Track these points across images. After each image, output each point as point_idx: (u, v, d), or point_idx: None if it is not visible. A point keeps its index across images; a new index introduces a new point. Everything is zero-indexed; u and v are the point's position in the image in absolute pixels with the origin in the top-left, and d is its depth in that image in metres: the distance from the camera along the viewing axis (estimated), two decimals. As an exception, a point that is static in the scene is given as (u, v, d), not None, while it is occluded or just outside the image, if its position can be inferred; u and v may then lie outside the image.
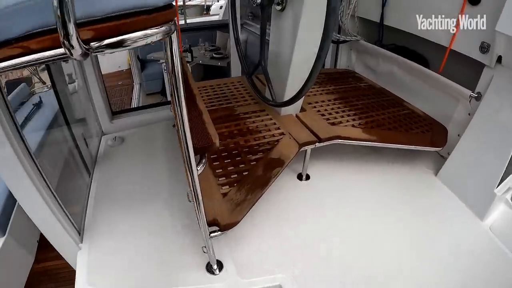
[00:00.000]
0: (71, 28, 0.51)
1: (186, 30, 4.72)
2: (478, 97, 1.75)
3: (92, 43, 0.60)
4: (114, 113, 2.45)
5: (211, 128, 1.24)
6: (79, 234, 1.49)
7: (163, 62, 4.34)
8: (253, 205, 1.40)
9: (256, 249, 1.46)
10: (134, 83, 4.13)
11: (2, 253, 2.14)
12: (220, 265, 1.37)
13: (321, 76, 2.53)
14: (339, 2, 1.06)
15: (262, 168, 1.58)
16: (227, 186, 1.49)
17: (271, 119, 1.93)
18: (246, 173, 1.55)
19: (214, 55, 4.15)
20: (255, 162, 1.62)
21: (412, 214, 1.67)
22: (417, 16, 2.02)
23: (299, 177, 1.87)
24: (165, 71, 4.51)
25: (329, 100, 2.16)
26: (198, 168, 1.07)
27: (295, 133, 1.80)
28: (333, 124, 1.89)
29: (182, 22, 4.17)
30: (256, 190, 1.46)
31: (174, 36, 0.73)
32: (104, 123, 2.37)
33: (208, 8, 8.18)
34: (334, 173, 1.91)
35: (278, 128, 1.85)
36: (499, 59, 1.60)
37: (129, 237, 1.52)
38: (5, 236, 2.20)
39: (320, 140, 1.75)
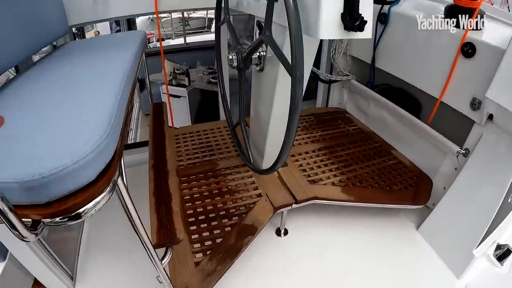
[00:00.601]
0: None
1: (184, 50, 4.76)
2: (466, 154, 1.73)
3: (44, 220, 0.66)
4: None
5: (178, 220, 1.31)
6: (72, 279, 1.60)
7: (161, 84, 4.44)
8: (222, 276, 1.46)
9: None
10: (134, 102, 4.26)
11: (3, 278, 2.30)
12: None
13: (310, 117, 2.54)
14: (303, 69, 1.07)
15: (235, 235, 1.63)
16: (201, 254, 1.54)
17: (251, 176, 1.96)
18: (219, 240, 1.60)
19: (211, 79, 4.12)
20: (229, 228, 1.66)
21: (389, 271, 1.68)
22: (408, 63, 2.01)
23: (278, 232, 1.91)
24: (164, 93, 4.64)
25: (313, 151, 2.17)
26: (163, 262, 1.14)
27: (272, 194, 1.83)
28: (313, 182, 1.91)
29: (181, 41, 4.21)
30: (227, 260, 1.51)
31: (121, 185, 0.85)
32: None
33: (210, 23, 7.99)
34: (313, 228, 1.93)
35: (256, 188, 1.88)
36: (490, 117, 1.57)
37: (120, 283, 1.61)
38: (5, 261, 2.35)
39: (296, 201, 1.78)
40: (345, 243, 1.83)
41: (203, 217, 1.73)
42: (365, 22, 1.05)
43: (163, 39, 8.78)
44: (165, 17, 7.01)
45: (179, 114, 4.75)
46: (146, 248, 1.05)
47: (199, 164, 2.09)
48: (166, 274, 1.25)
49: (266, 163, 1.88)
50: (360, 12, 1.05)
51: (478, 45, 1.59)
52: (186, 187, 1.91)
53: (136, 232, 1.01)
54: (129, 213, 0.97)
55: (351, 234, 1.88)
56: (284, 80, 1.54)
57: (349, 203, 1.82)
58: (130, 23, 5.01)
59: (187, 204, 1.80)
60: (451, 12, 1.74)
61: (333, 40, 2.42)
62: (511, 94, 1.38)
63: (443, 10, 1.77)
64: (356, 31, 1.06)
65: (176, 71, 4.79)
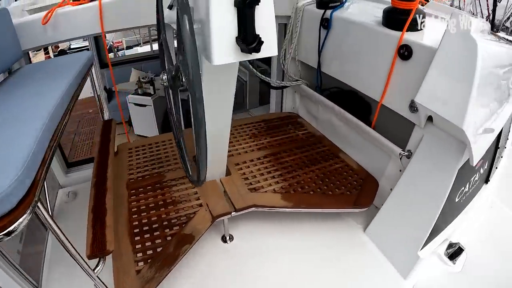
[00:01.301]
0: None
1: (150, 58, 4.78)
2: (409, 155, 1.76)
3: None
4: (70, 165, 2.60)
5: (110, 233, 1.41)
6: None
7: (129, 93, 4.51)
8: (159, 283, 1.52)
9: None
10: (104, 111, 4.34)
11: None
12: None
13: (261, 124, 2.60)
14: (201, 90, 1.11)
15: (174, 244, 1.68)
16: (142, 263, 1.61)
17: (194, 187, 2.03)
18: (160, 249, 1.67)
19: None
20: (170, 238, 1.72)
21: (336, 275, 1.73)
22: (351, 67, 2.06)
23: (223, 239, 1.95)
24: (130, 102, 4.71)
25: (259, 159, 2.23)
26: (96, 271, 1.25)
27: (212, 203, 1.88)
28: (253, 190, 1.96)
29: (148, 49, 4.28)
30: (164, 267, 1.58)
31: (41, 208, 1.03)
32: (60, 176, 2.52)
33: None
34: (260, 234, 1.97)
35: (198, 199, 1.93)
36: (430, 118, 1.60)
37: None
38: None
39: (235, 210, 1.83)
40: (291, 248, 1.88)
41: (147, 227, 1.79)
42: (262, 43, 1.08)
43: (131, 47, 8.97)
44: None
45: (145, 123, 4.84)
46: (75, 259, 1.18)
47: (148, 176, 2.15)
48: (102, 282, 1.33)
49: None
50: (259, 32, 1.08)
51: (414, 47, 1.62)
52: (134, 200, 1.97)
53: (64, 247, 1.16)
54: (54, 230, 1.12)
55: (298, 239, 1.93)
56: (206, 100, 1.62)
57: (288, 210, 1.87)
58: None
59: (133, 216, 1.87)
60: (389, 15, 1.77)
61: (281, 45, 2.48)
62: (440, 100, 1.41)
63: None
64: (251, 53, 1.10)
65: (141, 80, 4.84)
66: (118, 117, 4.14)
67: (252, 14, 1.07)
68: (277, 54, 1.20)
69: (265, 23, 1.09)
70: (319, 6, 2.20)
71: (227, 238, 1.94)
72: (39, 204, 1.01)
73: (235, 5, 1.05)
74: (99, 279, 1.31)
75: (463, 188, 1.71)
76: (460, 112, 1.32)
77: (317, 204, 1.90)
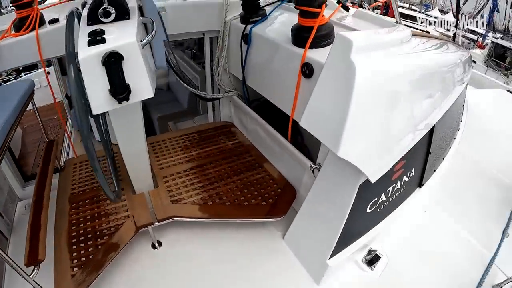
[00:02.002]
0: None
1: None
2: (319, 168, 1.87)
3: None
4: (27, 178, 2.78)
5: (42, 246, 1.64)
6: None
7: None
8: (89, 284, 1.74)
9: None
10: (68, 118, 4.47)
11: None
12: None
13: (194, 135, 2.77)
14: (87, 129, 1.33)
15: (102, 252, 1.88)
16: (77, 268, 1.82)
17: (124, 199, 2.21)
18: (91, 256, 1.87)
19: None
20: (100, 247, 1.92)
21: (253, 280, 1.88)
22: (268, 82, 2.20)
23: (153, 245, 2.11)
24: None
25: (185, 171, 2.40)
26: (31, 275, 1.47)
27: (137, 215, 2.05)
28: (175, 201, 2.14)
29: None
30: (93, 272, 1.79)
31: None
32: (17, 189, 2.67)
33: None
34: (186, 241, 2.13)
35: (126, 210, 2.11)
36: None
37: None
38: None
39: (157, 220, 2.02)
40: (213, 256, 2.04)
41: (82, 238, 1.99)
42: (129, 93, 1.29)
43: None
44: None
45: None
46: (13, 267, 1.41)
47: (88, 190, 2.32)
48: (38, 284, 1.54)
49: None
50: (131, 80, 1.28)
51: (314, 65, 1.70)
52: (74, 212, 2.16)
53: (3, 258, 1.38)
54: None
55: (220, 247, 2.08)
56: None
57: (204, 220, 2.06)
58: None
59: (72, 227, 2.06)
60: (295, 32, 1.87)
61: (212, 58, 2.64)
62: (320, 124, 1.48)
63: None
64: (121, 103, 1.30)
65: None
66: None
67: (117, 70, 1.26)
68: (152, 95, 1.38)
69: (136, 72, 1.29)
70: (242, 21, 2.33)
71: (156, 244, 2.11)
72: None
73: (102, 64, 1.24)
74: (36, 282, 1.52)
75: (376, 199, 1.82)
76: (336, 138, 1.34)
77: (231, 215, 2.08)
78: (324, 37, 1.81)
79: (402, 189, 2.01)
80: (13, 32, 2.20)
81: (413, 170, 2.04)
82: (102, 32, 1.33)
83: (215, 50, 2.61)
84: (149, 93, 1.37)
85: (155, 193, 2.22)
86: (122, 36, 1.33)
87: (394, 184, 1.90)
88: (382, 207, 1.92)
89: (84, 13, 1.50)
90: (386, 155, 1.56)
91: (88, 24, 1.41)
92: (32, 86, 2.18)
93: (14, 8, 2.25)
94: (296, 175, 2.22)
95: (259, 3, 2.27)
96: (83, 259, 1.88)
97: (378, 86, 1.39)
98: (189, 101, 4.02)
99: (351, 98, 1.28)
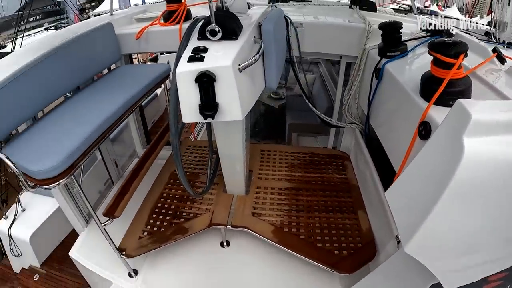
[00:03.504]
0: None
1: None
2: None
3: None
4: (150, 141, 3.42)
5: (122, 203, 2.08)
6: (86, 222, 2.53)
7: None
8: (148, 251, 2.14)
9: None
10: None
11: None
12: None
13: (306, 156, 2.76)
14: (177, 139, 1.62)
15: (172, 231, 2.23)
16: (146, 234, 2.24)
17: (212, 194, 2.46)
18: (162, 229, 2.24)
19: (271, 94, 4.46)
20: (173, 225, 2.27)
21: None
22: (386, 126, 2.03)
23: (221, 244, 2.34)
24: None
25: (279, 189, 2.45)
26: (103, 224, 1.94)
27: (217, 212, 2.28)
28: (255, 214, 2.25)
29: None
30: (156, 243, 2.17)
31: (73, 180, 1.62)
32: (138, 148, 3.38)
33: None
34: (253, 248, 2.28)
35: (210, 205, 2.36)
36: None
37: None
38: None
39: (231, 225, 2.19)
40: (271, 276, 2.14)
41: (164, 211, 2.39)
42: (216, 111, 1.42)
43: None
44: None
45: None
46: (91, 215, 1.93)
47: (188, 173, 2.70)
48: (108, 235, 1.99)
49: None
50: (222, 100, 1.42)
51: (433, 127, 1.45)
52: (169, 187, 2.60)
53: (86, 208, 1.91)
54: (81, 197, 1.88)
55: (279, 270, 2.16)
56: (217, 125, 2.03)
57: (273, 243, 2.09)
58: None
59: (161, 199, 2.49)
60: (424, 81, 1.64)
61: (345, 84, 2.56)
62: (402, 203, 1.29)
63: None
64: (206, 119, 1.44)
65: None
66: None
67: (208, 89, 1.40)
68: (241, 119, 1.49)
69: (227, 94, 1.41)
70: (379, 52, 2.15)
71: (224, 243, 2.33)
72: (73, 177, 1.70)
73: (195, 81, 1.39)
74: (104, 230, 1.96)
75: None
76: (410, 228, 1.13)
77: (299, 250, 2.04)
78: (456, 95, 1.46)
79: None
80: (161, 21, 2.66)
81: None
82: (205, 50, 1.47)
83: (349, 76, 2.53)
84: (237, 116, 1.46)
85: (242, 199, 2.39)
86: (220, 57, 1.43)
87: None
88: None
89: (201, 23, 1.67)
90: (475, 264, 1.21)
91: (198, 38, 1.57)
92: (168, 70, 2.59)
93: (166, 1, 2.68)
94: (383, 237, 2.00)
95: (401, 36, 2.04)
96: (155, 228, 2.27)
97: (488, 181, 1.06)
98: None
99: (445, 188, 1.02)
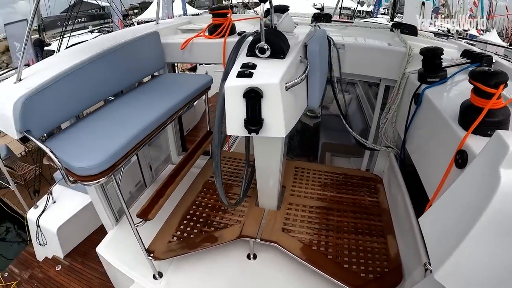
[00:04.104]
0: None
1: None
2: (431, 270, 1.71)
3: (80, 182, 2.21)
4: (185, 149, 3.57)
5: (157, 207, 2.19)
6: (116, 220, 2.71)
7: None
8: (175, 255, 2.24)
9: None
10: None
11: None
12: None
13: (339, 176, 2.79)
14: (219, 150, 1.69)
15: (201, 238, 2.33)
16: (176, 238, 2.36)
17: (244, 206, 2.54)
18: (192, 236, 2.35)
19: (307, 112, 4.43)
20: (203, 233, 2.37)
21: None
22: (422, 153, 2.04)
23: (248, 256, 2.40)
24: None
25: (311, 207, 2.49)
26: (136, 225, 2.07)
27: (248, 225, 2.35)
28: (285, 230, 2.30)
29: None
30: (185, 249, 2.28)
31: (113, 180, 1.76)
32: (173, 154, 3.54)
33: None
34: (280, 262, 2.31)
35: (241, 216, 2.44)
36: None
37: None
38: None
39: (260, 239, 2.26)
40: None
41: (195, 218, 2.51)
42: (260, 127, 1.50)
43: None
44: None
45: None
46: (125, 215, 2.01)
47: (224, 183, 2.81)
48: (139, 236, 2.11)
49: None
50: (267, 115, 1.48)
51: (470, 156, 1.46)
52: (202, 196, 2.72)
53: (122, 207, 2.00)
54: (121, 197, 1.96)
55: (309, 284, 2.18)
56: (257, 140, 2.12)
57: (300, 260, 2.13)
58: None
59: (193, 206, 2.62)
60: (462, 109, 1.65)
61: (383, 107, 2.60)
62: (437, 228, 1.30)
63: None
64: (250, 134, 1.52)
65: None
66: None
67: (254, 104, 1.48)
68: (284, 135, 1.56)
69: (273, 111, 1.48)
70: (418, 78, 2.16)
71: (251, 256, 2.39)
72: (113, 177, 1.82)
73: (243, 97, 1.46)
74: (136, 230, 2.08)
75: None
76: (441, 255, 1.16)
77: (326, 269, 2.07)
78: (494, 125, 1.47)
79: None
80: (206, 34, 2.80)
81: None
82: (254, 66, 1.53)
83: (387, 99, 2.56)
84: (280, 132, 1.52)
85: (273, 214, 2.45)
86: (268, 75, 1.49)
87: None
88: None
89: (249, 38, 1.74)
90: None
91: (247, 55, 1.64)
92: (210, 82, 2.73)
93: (211, 14, 2.83)
94: (410, 263, 1.99)
95: (441, 62, 2.06)
96: (185, 234, 2.38)
97: None
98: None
99: (479, 218, 1.05)
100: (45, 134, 1.97)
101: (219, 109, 1.57)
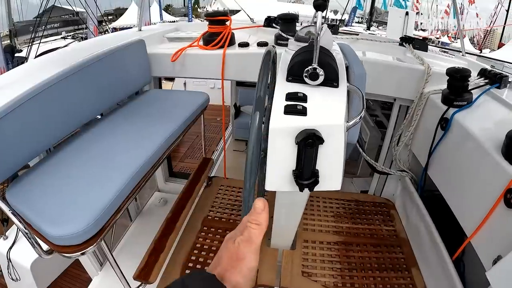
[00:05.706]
0: None
1: None
2: None
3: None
4: (173, 174, 3.25)
5: (156, 270, 1.89)
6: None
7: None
8: None
9: None
10: (229, 124, 5.11)
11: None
12: None
13: (351, 204, 2.67)
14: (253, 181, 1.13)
15: None
16: None
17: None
18: None
19: None
20: None
21: None
22: (455, 185, 1.95)
23: None
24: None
25: (328, 243, 2.32)
26: None
27: (262, 270, 2.11)
28: (306, 274, 2.10)
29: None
30: None
31: (103, 244, 1.48)
32: (160, 181, 3.19)
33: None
34: None
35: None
36: None
37: None
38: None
39: (279, 287, 2.04)
40: None
41: (199, 266, 2.19)
42: (316, 182, 1.07)
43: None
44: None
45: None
46: (119, 278, 1.72)
47: (224, 220, 2.54)
48: None
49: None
50: (321, 167, 1.07)
51: None
52: (203, 237, 2.41)
53: (114, 270, 1.69)
54: (112, 262, 1.65)
55: None
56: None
57: None
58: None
59: (194, 251, 2.30)
60: (510, 142, 1.50)
61: (397, 129, 2.52)
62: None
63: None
64: (302, 190, 1.09)
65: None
66: (241, 133, 4.82)
67: (311, 153, 1.05)
68: (339, 188, 1.11)
69: (331, 159, 1.08)
70: (443, 100, 2.06)
71: None
72: (103, 242, 1.47)
73: (295, 143, 1.04)
74: None
75: None
76: None
77: None
78: None
79: None
80: (201, 43, 2.49)
81: None
82: (305, 98, 1.11)
83: (401, 120, 2.47)
84: (336, 185, 1.11)
85: (289, 255, 2.24)
86: (327, 112, 1.08)
87: None
88: None
89: (285, 57, 1.35)
90: None
91: (288, 80, 1.21)
92: (207, 101, 2.46)
93: (207, 22, 2.52)
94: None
95: (468, 85, 1.98)
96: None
97: None
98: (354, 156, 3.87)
99: None
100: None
101: (254, 148, 1.10)
